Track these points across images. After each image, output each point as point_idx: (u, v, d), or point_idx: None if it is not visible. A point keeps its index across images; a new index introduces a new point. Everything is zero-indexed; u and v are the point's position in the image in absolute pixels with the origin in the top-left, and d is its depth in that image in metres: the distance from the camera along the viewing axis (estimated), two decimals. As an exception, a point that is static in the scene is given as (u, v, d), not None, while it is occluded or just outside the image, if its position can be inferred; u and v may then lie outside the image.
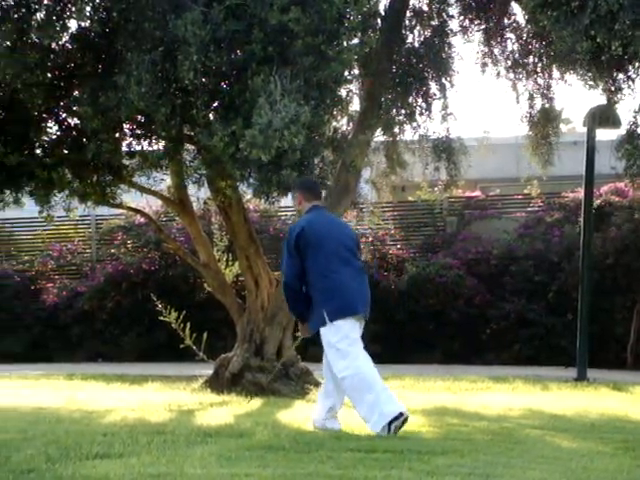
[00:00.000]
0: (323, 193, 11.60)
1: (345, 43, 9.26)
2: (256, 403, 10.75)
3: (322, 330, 8.03)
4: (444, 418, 9.34)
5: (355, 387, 7.95)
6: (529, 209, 19.94)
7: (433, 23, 13.00)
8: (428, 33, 12.90)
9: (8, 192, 12.10)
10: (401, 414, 7.80)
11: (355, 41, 9.69)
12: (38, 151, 11.64)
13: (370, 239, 19.77)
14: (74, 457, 6.36)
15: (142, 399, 10.80)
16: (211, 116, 9.74)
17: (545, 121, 14.09)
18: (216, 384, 12.30)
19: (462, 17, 13.29)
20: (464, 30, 13.31)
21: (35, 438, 7.16)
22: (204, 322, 15.40)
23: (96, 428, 7.97)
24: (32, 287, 20.43)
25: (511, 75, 13.74)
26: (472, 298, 18.46)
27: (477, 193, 20.77)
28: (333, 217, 8.94)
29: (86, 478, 5.70)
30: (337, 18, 9.06)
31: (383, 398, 7.87)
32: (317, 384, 12.20)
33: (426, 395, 12.04)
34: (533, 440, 7.81)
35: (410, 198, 20.58)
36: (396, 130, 13.40)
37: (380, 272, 19.00)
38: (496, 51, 13.62)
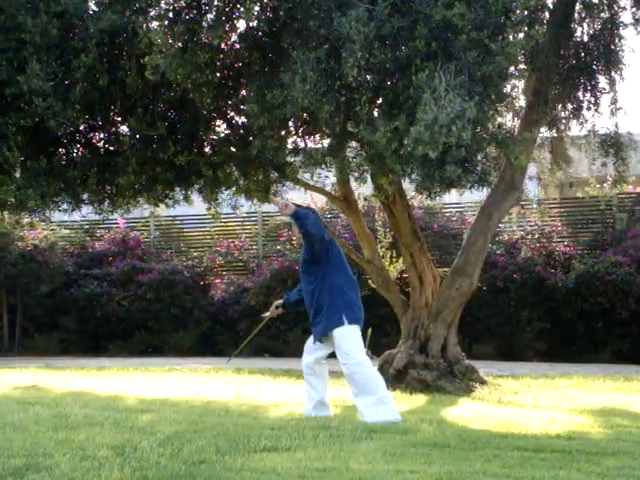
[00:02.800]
0: (486, 190, 11.50)
1: (511, 37, 9.11)
2: (421, 400, 10.73)
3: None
4: (613, 419, 9.12)
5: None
6: None
7: (603, 15, 12.67)
8: (598, 26, 12.59)
9: (178, 190, 12.42)
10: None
11: (521, 35, 9.54)
12: (207, 149, 11.89)
13: (536, 236, 19.47)
14: (243, 450, 6.48)
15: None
16: (375, 112, 9.75)
17: None
18: (380, 380, 12.31)
19: (634, 8, 12.89)
20: (636, 22, 12.92)
21: (205, 430, 7.33)
22: (368, 318, 15.42)
23: (263, 422, 8.09)
24: (201, 283, 20.90)
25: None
26: (643, 297, 17.94)
27: (648, 189, 20.19)
28: None
29: (254, 471, 5.79)
30: (503, 12, 8.93)
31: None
32: (482, 382, 12.12)
33: (595, 395, 11.78)
34: None
35: (578, 194, 20.18)
36: (562, 126, 13.15)
37: (547, 269, 18.69)
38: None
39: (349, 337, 8.50)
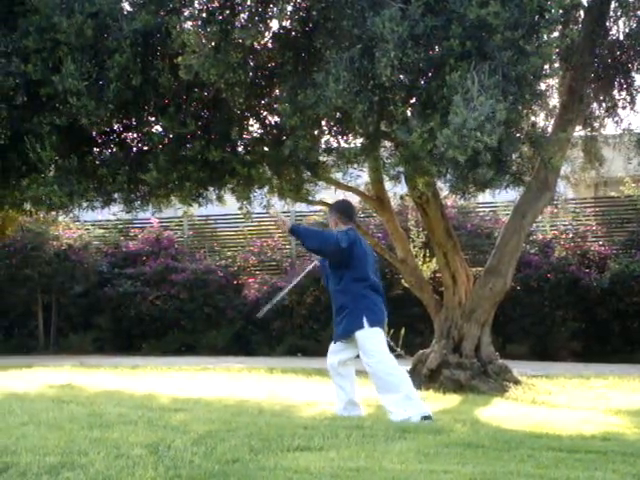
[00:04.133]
0: (520, 189, 11.46)
1: (545, 37, 9.07)
2: (454, 400, 10.70)
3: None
4: (649, 420, 9.05)
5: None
6: None
7: (639, 13, 12.56)
8: (634, 24, 12.47)
9: (211, 189, 12.45)
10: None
11: (556, 34, 9.49)
12: (239, 149, 11.91)
13: (570, 235, 19.36)
14: (276, 449, 6.49)
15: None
16: (408, 112, 9.73)
17: None
18: (413, 380, 12.18)
19: (671, 6, 12.78)
20: (673, 20, 12.80)
21: (239, 429, 7.34)
22: (401, 318, 15.44)
23: (296, 421, 8.09)
24: (234, 282, 20.93)
25: None
26: (679, 297, 17.80)
27: (685, 188, 20.00)
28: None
29: (287, 470, 5.79)
30: (538, 11, 8.89)
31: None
32: (516, 382, 12.07)
33: (630, 395, 11.70)
34: None
35: (613, 194, 20.05)
36: (596, 124, 13.07)
37: (581, 269, 18.57)
38: None
39: (371, 338, 8.55)
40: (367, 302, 8.62)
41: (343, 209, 9.05)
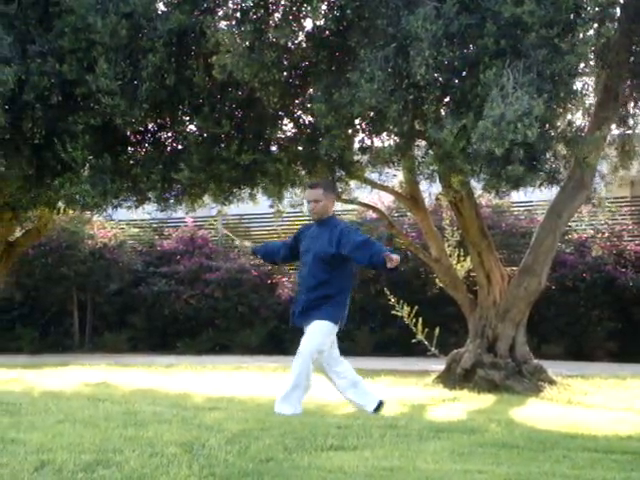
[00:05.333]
0: (555, 188, 11.39)
1: (581, 35, 9.02)
2: (488, 400, 10.65)
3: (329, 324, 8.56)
4: (686, 420, 8.97)
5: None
6: None
7: (678, 10, 12.44)
8: (671, 21, 12.36)
9: (243, 188, 12.46)
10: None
11: (591, 32, 9.42)
12: (273, 148, 11.92)
13: (606, 234, 19.23)
14: (309, 448, 6.49)
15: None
16: (442, 111, 9.70)
17: None
18: (448, 380, 12.27)
19: None
20: None
21: (272, 428, 7.34)
22: (435, 317, 15.39)
23: (330, 420, 8.09)
24: (268, 281, 20.96)
25: None
26: None
27: None
28: None
29: (321, 469, 5.79)
30: (573, 9, 8.84)
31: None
32: (551, 382, 12.00)
33: (666, 396, 11.60)
34: None
35: (649, 192, 19.91)
36: (633, 122, 12.98)
37: (617, 269, 18.44)
38: None
39: (325, 333, 8.66)
40: (347, 301, 8.82)
41: (336, 190, 9.17)
